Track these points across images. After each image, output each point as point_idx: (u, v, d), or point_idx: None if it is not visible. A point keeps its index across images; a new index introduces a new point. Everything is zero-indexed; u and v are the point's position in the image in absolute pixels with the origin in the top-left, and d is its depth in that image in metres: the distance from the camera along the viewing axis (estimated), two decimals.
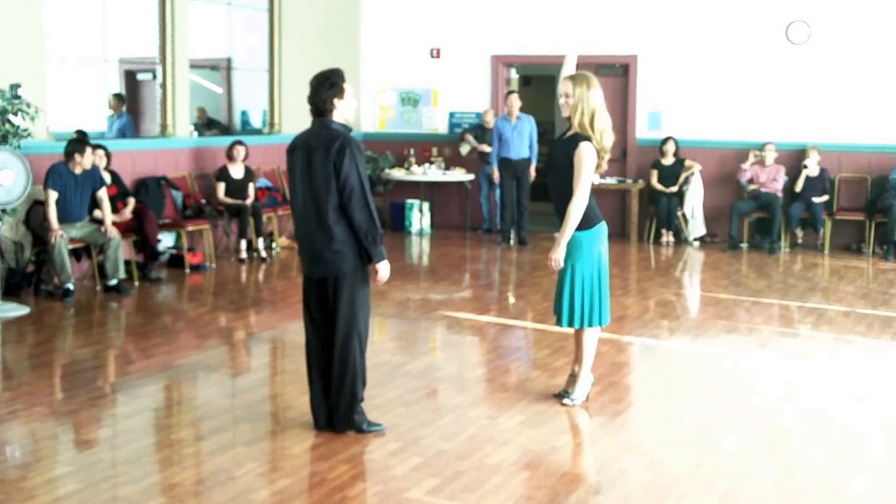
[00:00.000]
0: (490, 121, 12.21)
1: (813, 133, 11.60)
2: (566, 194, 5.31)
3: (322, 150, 4.79)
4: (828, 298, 8.84)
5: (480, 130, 12.37)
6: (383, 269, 4.93)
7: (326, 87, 4.85)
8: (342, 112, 4.90)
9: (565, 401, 5.57)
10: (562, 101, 5.36)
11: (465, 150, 12.49)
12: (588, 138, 5.27)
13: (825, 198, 11.35)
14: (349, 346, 4.91)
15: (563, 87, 5.35)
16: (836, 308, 8.38)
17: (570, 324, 5.47)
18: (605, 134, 5.31)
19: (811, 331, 7.62)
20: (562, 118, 5.53)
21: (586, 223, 5.36)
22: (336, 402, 4.98)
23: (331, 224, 4.79)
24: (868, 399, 5.92)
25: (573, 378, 5.65)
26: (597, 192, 13.85)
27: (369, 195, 4.79)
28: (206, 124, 11.84)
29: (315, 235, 4.86)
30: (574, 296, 5.41)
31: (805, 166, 11.28)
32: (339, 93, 4.86)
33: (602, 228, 5.44)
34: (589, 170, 5.26)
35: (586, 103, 5.28)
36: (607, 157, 5.38)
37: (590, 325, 5.47)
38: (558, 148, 5.41)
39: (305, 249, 4.95)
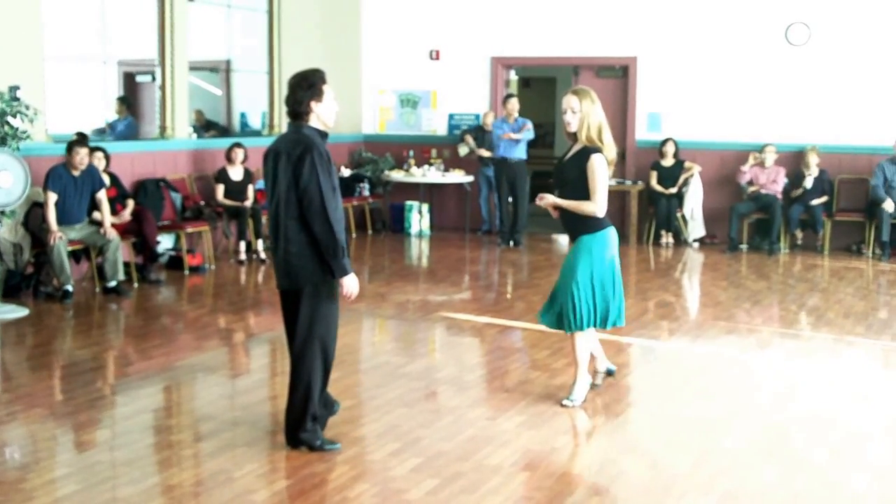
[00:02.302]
0: (489, 123, 12.22)
1: (812, 134, 11.60)
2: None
3: (286, 155, 4.51)
4: (827, 300, 8.83)
5: (480, 132, 12.38)
6: (348, 284, 4.58)
7: (304, 88, 4.58)
8: (320, 115, 4.63)
9: (564, 402, 5.57)
10: (567, 116, 5.35)
11: (463, 151, 12.48)
12: (598, 150, 5.30)
13: (824, 199, 11.35)
14: (302, 363, 4.68)
15: (569, 102, 5.34)
16: (836, 309, 8.38)
17: (570, 328, 5.48)
18: (611, 147, 5.38)
19: (811, 332, 7.62)
20: (566, 134, 5.50)
21: (593, 227, 5.38)
22: (286, 416, 4.80)
23: (291, 235, 4.54)
24: (868, 399, 5.92)
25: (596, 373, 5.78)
26: None
27: (330, 205, 4.47)
28: (204, 126, 11.84)
29: (279, 246, 4.61)
30: (574, 301, 5.41)
31: (805, 178, 11.26)
32: (317, 95, 4.58)
33: (610, 234, 5.42)
34: (605, 178, 5.30)
35: (593, 118, 5.32)
36: (612, 169, 5.44)
37: (580, 328, 5.47)
38: (569, 165, 5.40)
39: (274, 259, 4.73)
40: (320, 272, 4.59)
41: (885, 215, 10.81)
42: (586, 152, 5.33)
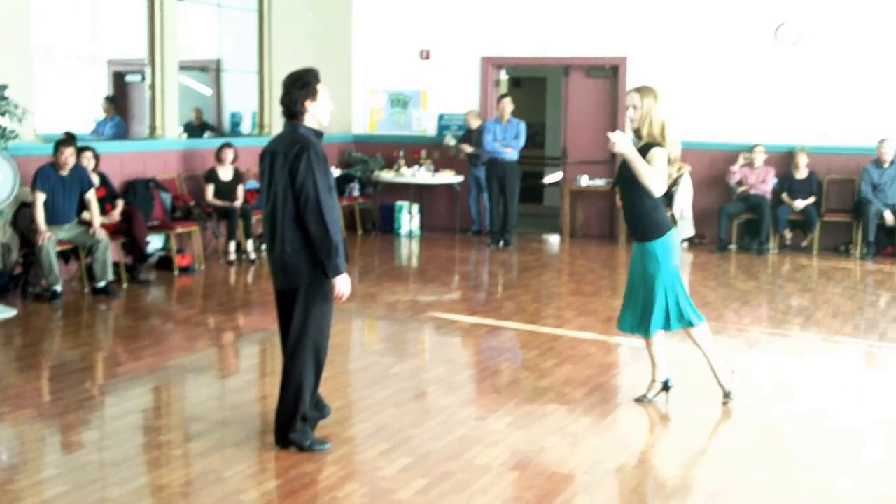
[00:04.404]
0: (472, 122, 12.27)
1: (802, 135, 11.64)
2: (640, 208, 5.40)
3: (282, 155, 4.55)
4: (816, 300, 8.87)
5: (468, 134, 12.39)
6: (340, 283, 4.59)
7: (298, 87, 4.61)
8: (315, 115, 4.66)
9: (725, 400, 5.56)
10: (630, 112, 5.38)
11: (450, 142, 12.44)
12: (660, 145, 5.32)
13: (812, 199, 11.38)
14: (294, 363, 4.70)
15: (631, 98, 5.38)
16: (824, 309, 8.42)
17: (667, 326, 5.50)
18: (675, 145, 5.41)
19: (799, 332, 7.65)
20: (632, 131, 5.51)
21: (657, 231, 5.44)
22: (276, 416, 4.81)
23: (287, 235, 4.56)
24: (857, 399, 5.95)
25: (654, 383, 5.69)
26: (587, 193, 13.82)
27: (325, 205, 4.49)
28: (201, 126, 11.83)
29: (275, 245, 4.62)
30: (669, 302, 5.43)
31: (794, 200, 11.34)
32: (312, 94, 4.62)
33: (674, 235, 5.50)
34: (663, 167, 5.31)
35: (655, 115, 5.34)
36: (676, 166, 5.49)
37: (691, 324, 5.49)
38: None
39: (269, 258, 4.75)
40: (315, 271, 4.60)
41: (871, 215, 10.86)
42: (648, 148, 5.34)
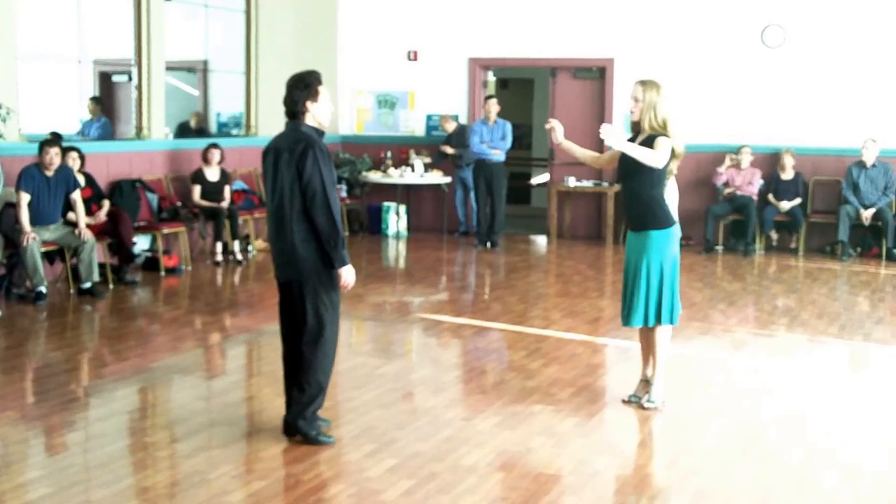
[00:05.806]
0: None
1: (788, 136, 11.70)
2: (643, 195, 5.36)
3: (287, 152, 4.72)
4: (801, 300, 8.91)
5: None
6: (346, 274, 4.81)
7: (300, 88, 4.79)
8: (315, 115, 4.82)
9: (646, 404, 5.54)
10: (631, 104, 5.40)
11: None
12: (665, 135, 5.30)
13: (798, 201, 11.43)
14: (315, 354, 4.82)
15: (634, 91, 5.39)
16: (810, 310, 8.45)
17: (645, 322, 5.46)
18: (679, 141, 5.37)
19: (785, 332, 7.68)
20: (632, 123, 5.51)
21: (662, 222, 5.41)
22: (291, 404, 4.90)
23: (294, 228, 4.74)
24: (841, 398, 5.97)
25: (646, 382, 5.65)
26: (574, 195, 13.80)
27: (332, 199, 4.70)
28: (199, 131, 11.79)
29: (280, 238, 4.81)
30: (650, 295, 5.41)
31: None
32: (313, 95, 4.80)
33: (676, 230, 5.47)
34: (665, 153, 5.26)
35: (658, 109, 5.34)
36: (678, 162, 5.44)
37: (662, 322, 5.47)
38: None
39: (274, 252, 4.93)
40: (321, 263, 4.77)
41: (843, 215, 10.95)
42: (652, 138, 5.31)
